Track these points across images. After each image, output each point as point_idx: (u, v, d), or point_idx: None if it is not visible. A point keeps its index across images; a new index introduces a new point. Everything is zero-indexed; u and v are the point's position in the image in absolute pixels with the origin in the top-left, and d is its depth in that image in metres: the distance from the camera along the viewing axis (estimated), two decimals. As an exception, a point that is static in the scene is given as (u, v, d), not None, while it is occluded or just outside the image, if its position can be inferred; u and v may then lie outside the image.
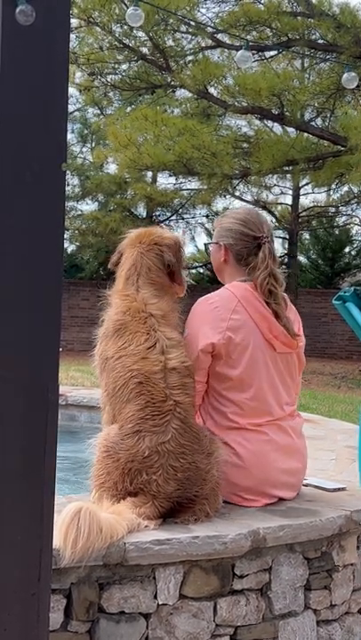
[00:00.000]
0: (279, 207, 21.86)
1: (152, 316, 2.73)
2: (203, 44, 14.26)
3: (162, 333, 2.70)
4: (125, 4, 12.74)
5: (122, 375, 2.66)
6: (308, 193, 21.55)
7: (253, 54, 12.38)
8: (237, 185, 17.79)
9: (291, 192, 21.20)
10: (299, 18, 13.49)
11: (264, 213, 20.35)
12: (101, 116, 20.13)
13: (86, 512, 2.27)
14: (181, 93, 16.09)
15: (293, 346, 2.97)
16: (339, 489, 3.16)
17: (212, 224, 20.61)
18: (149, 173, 18.97)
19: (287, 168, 15.29)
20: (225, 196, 19.47)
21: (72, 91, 16.77)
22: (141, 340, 2.68)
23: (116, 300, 2.81)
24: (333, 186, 19.22)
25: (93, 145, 22.02)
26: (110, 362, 2.72)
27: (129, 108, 16.75)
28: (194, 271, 22.34)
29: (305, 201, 22.05)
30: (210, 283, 19.81)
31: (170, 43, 14.34)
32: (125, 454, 2.58)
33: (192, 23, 13.13)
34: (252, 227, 2.99)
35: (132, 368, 2.65)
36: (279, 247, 21.85)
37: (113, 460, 2.60)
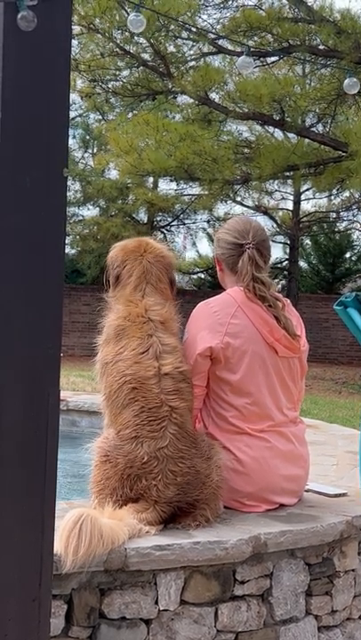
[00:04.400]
0: (280, 212, 21.91)
1: (151, 321, 2.74)
2: (204, 50, 14.28)
3: (158, 339, 2.71)
4: (126, 11, 12.75)
5: (117, 380, 2.68)
6: (309, 198, 21.59)
7: (255, 60, 12.40)
8: (238, 190, 17.81)
9: (292, 197, 21.24)
10: (300, 24, 13.50)
11: (265, 219, 20.39)
12: (103, 122, 20.17)
13: (88, 518, 2.27)
14: (183, 99, 16.13)
15: (296, 350, 2.97)
16: (340, 494, 3.16)
17: (213, 229, 20.69)
18: (150, 179, 19.00)
19: (288, 173, 15.32)
20: (226, 202, 19.53)
21: (73, 97, 16.80)
22: (134, 344, 2.70)
23: (119, 306, 2.82)
24: (334, 191, 19.24)
25: (95, 150, 22.08)
26: (109, 367, 2.73)
27: (130, 114, 16.78)
28: (195, 277, 22.38)
29: (306, 206, 22.09)
30: (211, 288, 19.84)
31: (171, 49, 14.36)
32: (124, 460, 2.58)
33: (193, 29, 13.15)
34: (237, 235, 3.02)
35: (126, 373, 2.66)
36: (280, 252, 21.90)
37: (112, 465, 2.60)
